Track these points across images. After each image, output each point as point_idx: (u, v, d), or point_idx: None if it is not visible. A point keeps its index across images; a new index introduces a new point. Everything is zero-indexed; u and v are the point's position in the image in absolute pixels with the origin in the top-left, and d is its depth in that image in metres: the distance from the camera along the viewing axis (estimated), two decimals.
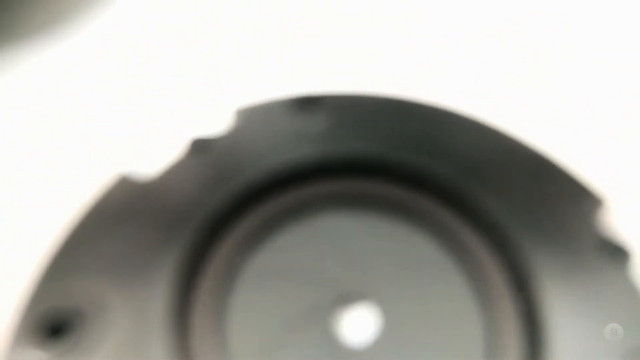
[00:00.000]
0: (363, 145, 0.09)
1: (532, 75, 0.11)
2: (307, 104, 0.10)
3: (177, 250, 0.08)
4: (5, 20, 0.11)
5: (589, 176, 0.09)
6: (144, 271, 0.08)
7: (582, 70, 0.11)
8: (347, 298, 0.08)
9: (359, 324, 0.08)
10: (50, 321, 0.07)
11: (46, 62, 0.11)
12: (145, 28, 0.12)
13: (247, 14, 0.12)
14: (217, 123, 0.09)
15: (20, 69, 0.11)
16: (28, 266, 0.08)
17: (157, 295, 0.08)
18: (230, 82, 0.11)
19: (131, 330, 0.07)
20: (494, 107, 0.10)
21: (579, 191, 0.08)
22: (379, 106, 0.10)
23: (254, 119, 0.10)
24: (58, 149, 0.10)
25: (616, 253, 0.08)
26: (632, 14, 0.12)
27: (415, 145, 0.09)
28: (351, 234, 0.09)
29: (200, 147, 0.09)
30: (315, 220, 0.09)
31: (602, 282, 0.08)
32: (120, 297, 0.08)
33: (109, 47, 0.11)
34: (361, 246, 0.09)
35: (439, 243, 0.09)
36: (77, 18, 0.12)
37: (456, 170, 0.09)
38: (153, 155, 0.09)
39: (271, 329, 0.08)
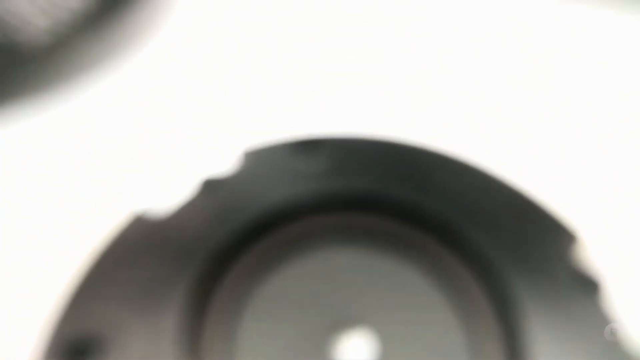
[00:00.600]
0: (361, 183, 0.10)
1: (512, 116, 0.12)
2: (308, 147, 0.11)
3: (187, 280, 0.09)
4: (18, 74, 0.13)
5: (565, 213, 0.10)
6: (158, 299, 0.09)
7: (554, 110, 0.12)
8: (344, 324, 0.09)
9: (355, 348, 0.09)
10: (74, 344, 0.08)
11: (65, 107, 0.12)
12: (157, 70, 0.13)
13: (254, 58, 0.13)
14: (224, 164, 0.10)
15: (40, 116, 0.12)
16: (51, 295, 0.09)
17: (170, 320, 0.08)
18: (236, 123, 0.12)
19: (147, 352, 0.08)
20: (480, 148, 0.11)
21: (555, 228, 0.09)
22: (376, 149, 0.11)
23: (259, 160, 0.11)
24: (76, 188, 0.11)
25: (588, 285, 0.09)
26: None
27: (410, 184, 0.10)
28: (348, 265, 0.10)
29: (210, 187, 0.10)
30: (315, 252, 0.10)
31: (576, 311, 0.09)
32: (137, 323, 0.08)
33: (122, 89, 0.12)
34: (358, 276, 0.10)
35: (430, 273, 0.09)
36: (93, 66, 0.13)
37: (447, 207, 0.10)
38: (164, 194, 0.10)
39: (275, 353, 0.09)
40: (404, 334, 0.09)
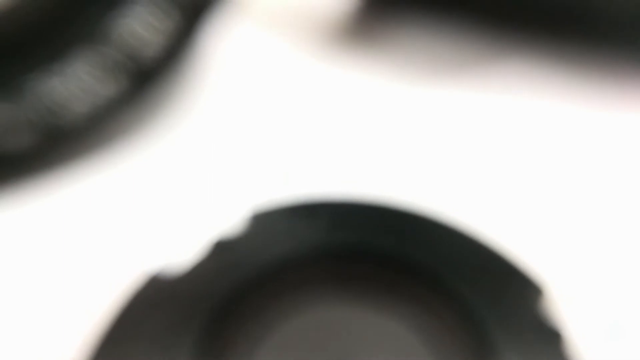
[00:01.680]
0: (357, 237, 0.12)
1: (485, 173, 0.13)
2: (310, 209, 0.12)
3: (196, 331, 0.10)
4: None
5: (534, 267, 0.11)
6: (170, 348, 0.10)
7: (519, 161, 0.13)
8: None
9: None
10: None
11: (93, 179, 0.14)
12: (171, 132, 0.15)
13: (267, 128, 0.15)
14: (233, 225, 0.12)
15: (71, 188, 0.14)
16: (78, 341, 0.11)
17: None
18: (244, 186, 0.13)
19: None
20: (464, 210, 0.12)
21: (523, 281, 0.10)
22: (372, 210, 0.12)
23: (265, 221, 0.12)
24: (87, 251, 0.12)
25: (552, 335, 0.10)
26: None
27: (402, 240, 0.11)
28: (344, 311, 0.11)
29: (220, 248, 0.11)
30: (314, 299, 0.11)
31: None
32: None
33: (132, 150, 0.14)
34: (352, 323, 0.11)
35: (415, 317, 0.10)
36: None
37: (435, 260, 0.11)
38: (177, 255, 0.11)
39: None
40: None
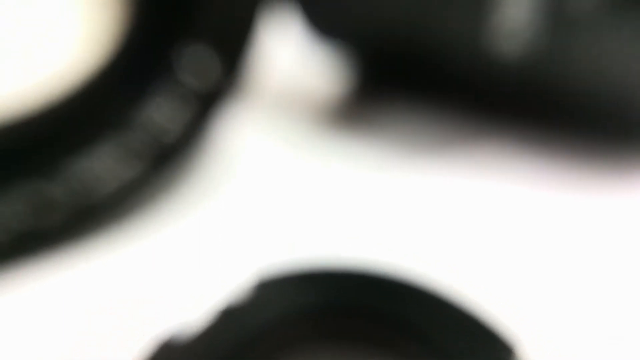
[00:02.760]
0: (354, 297, 0.13)
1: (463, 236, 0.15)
2: (312, 276, 0.14)
3: None
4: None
5: (503, 326, 0.12)
6: None
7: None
8: None
9: None
10: None
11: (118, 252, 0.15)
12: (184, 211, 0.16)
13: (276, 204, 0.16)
14: (239, 293, 0.13)
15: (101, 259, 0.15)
16: None
17: None
18: (249, 255, 0.15)
19: None
20: (446, 276, 0.13)
21: (495, 341, 0.11)
22: (369, 277, 0.14)
23: (269, 288, 0.13)
24: (101, 317, 0.14)
25: None
26: None
27: (392, 299, 0.13)
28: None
29: (227, 314, 0.13)
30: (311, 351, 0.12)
31: None
32: None
33: (148, 225, 0.16)
34: None
35: None
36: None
37: (421, 317, 0.12)
38: (184, 321, 0.13)
39: None
40: None
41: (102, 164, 0.17)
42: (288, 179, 0.17)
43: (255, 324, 0.12)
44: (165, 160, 0.17)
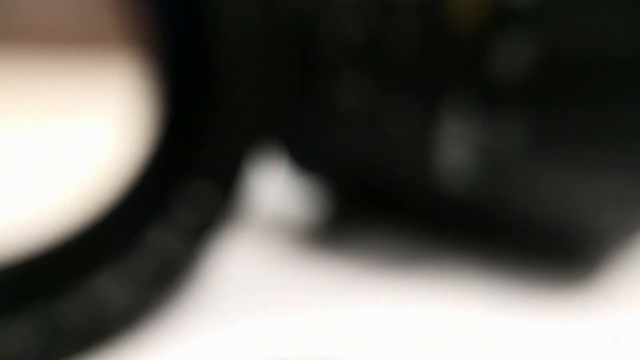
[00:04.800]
0: None
1: None
2: None
3: None
4: None
5: None
6: None
7: None
8: None
9: None
10: None
11: None
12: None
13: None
14: None
15: None
16: None
17: None
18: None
19: None
20: None
21: None
22: None
23: None
24: None
25: None
26: None
27: None
28: None
29: None
30: None
31: None
32: None
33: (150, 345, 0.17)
34: None
35: None
36: None
37: None
38: None
39: None
40: None
41: (108, 287, 0.18)
42: (275, 296, 0.19)
43: None
44: (166, 284, 0.19)
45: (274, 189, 0.22)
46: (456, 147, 0.18)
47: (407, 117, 0.18)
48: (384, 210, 0.22)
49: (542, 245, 0.20)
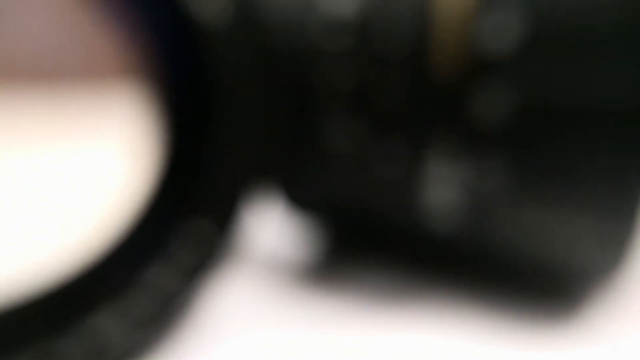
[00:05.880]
0: None
1: None
2: None
3: None
4: None
5: None
6: None
7: None
8: None
9: None
10: None
11: None
12: None
13: None
14: None
15: None
16: None
17: None
18: None
19: None
20: None
21: None
22: None
23: None
24: None
25: None
26: None
27: None
28: None
29: None
30: None
31: None
32: None
33: None
34: None
35: None
36: None
37: None
38: None
39: None
40: None
41: (107, 326, 0.19)
42: (271, 334, 0.20)
43: None
44: (164, 322, 0.19)
45: (270, 227, 0.23)
46: (442, 188, 0.18)
47: (395, 160, 0.19)
48: (377, 249, 0.23)
49: (526, 281, 0.21)
